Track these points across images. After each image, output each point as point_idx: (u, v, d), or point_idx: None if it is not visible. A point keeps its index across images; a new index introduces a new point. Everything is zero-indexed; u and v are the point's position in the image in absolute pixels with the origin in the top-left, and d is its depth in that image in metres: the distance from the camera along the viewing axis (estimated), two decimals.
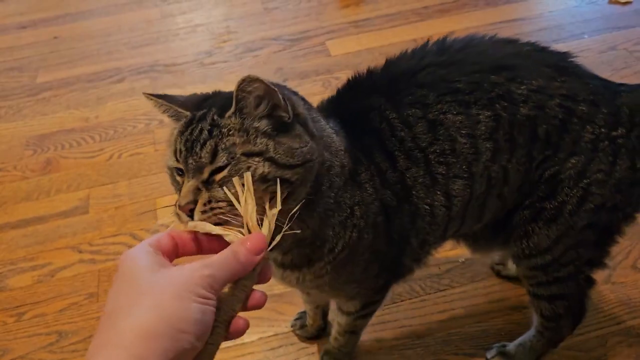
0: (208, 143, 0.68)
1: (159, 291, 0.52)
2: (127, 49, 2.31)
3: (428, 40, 0.94)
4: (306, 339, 1.26)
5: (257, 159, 0.68)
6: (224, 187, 0.66)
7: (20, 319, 1.39)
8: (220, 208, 0.65)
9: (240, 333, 0.58)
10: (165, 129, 1.88)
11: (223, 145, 0.67)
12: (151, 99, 0.76)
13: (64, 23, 2.53)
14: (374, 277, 0.95)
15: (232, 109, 0.69)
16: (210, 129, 0.69)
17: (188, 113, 0.73)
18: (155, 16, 2.51)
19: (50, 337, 1.34)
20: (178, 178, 0.71)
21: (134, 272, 0.54)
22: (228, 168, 0.67)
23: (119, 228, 1.58)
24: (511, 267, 1.32)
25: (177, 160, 0.70)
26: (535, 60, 0.90)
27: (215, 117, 0.69)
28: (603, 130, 0.87)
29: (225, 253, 0.57)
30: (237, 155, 0.67)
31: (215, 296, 0.55)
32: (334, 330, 1.14)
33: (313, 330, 1.25)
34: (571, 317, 1.08)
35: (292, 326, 1.28)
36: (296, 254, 0.84)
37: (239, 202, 0.63)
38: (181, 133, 0.71)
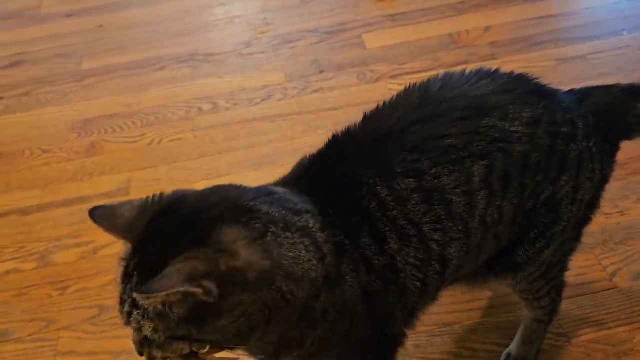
0: (132, 318, 0.69)
1: None
2: (168, 39, 2.37)
3: (408, 86, 0.90)
4: None
5: (182, 342, 0.69)
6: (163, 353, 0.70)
7: (64, 293, 1.46)
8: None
9: None
10: (204, 116, 1.94)
11: (146, 326, 0.68)
12: (94, 220, 0.76)
13: (107, 12, 2.60)
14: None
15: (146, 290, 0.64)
16: (131, 305, 0.69)
17: (130, 248, 0.73)
18: (194, 7, 2.57)
19: (92, 311, 1.41)
20: None
21: None
22: (157, 343, 0.69)
23: None
24: None
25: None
26: (519, 91, 0.87)
27: (134, 290, 0.67)
28: (583, 144, 0.90)
29: None
30: (162, 338, 0.68)
31: None
32: None
33: None
34: (560, 291, 1.12)
35: None
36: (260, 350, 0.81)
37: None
38: (120, 282, 0.73)
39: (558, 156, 0.88)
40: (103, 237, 1.56)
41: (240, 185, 0.78)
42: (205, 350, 0.70)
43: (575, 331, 1.25)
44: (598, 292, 1.31)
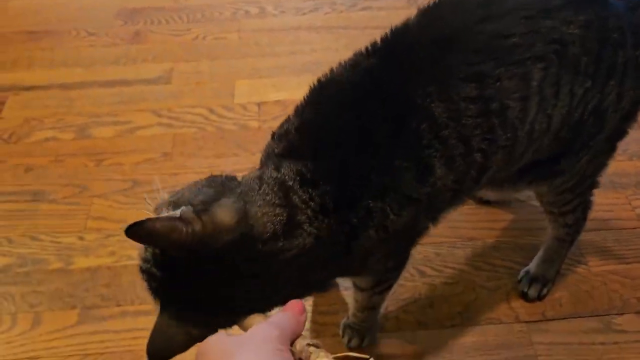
0: None
1: (237, 354, 0.51)
2: None
3: None
4: None
5: None
6: None
7: (100, 165, 1.50)
8: None
9: None
10: (251, 19, 1.93)
11: None
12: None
13: None
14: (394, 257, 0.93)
15: None
16: None
17: None
18: None
19: (125, 184, 1.45)
20: None
21: (207, 346, 0.55)
22: None
23: (198, 101, 1.66)
24: (490, 193, 1.32)
25: None
26: None
27: None
28: (631, 52, 0.87)
29: (280, 315, 0.59)
30: None
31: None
32: (352, 307, 1.10)
33: None
34: (585, 212, 1.12)
35: None
36: None
37: None
38: None
39: (606, 62, 0.86)
40: (141, 119, 1.61)
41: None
42: None
43: (596, 261, 1.26)
44: (623, 229, 1.32)
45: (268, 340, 0.53)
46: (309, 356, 0.55)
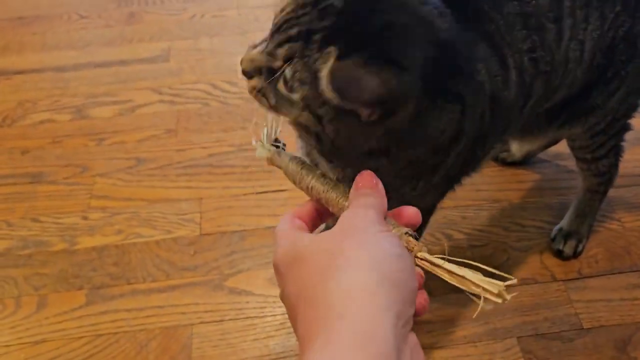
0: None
1: (342, 248, 0.45)
2: None
3: None
4: None
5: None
6: None
7: (101, 144, 1.42)
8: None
9: None
10: None
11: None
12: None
13: None
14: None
15: None
16: None
17: None
18: None
19: (129, 162, 1.37)
20: None
21: (301, 249, 0.48)
22: None
23: (199, 77, 1.59)
24: (515, 152, 1.30)
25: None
26: None
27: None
28: None
29: (360, 196, 0.51)
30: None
31: None
32: None
33: None
34: (618, 158, 1.08)
35: None
36: None
37: None
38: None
39: None
40: (141, 97, 1.54)
41: None
42: None
43: (629, 217, 1.21)
44: None
45: (370, 224, 0.47)
46: (411, 249, 0.49)
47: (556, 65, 0.81)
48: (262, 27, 1.74)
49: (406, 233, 0.50)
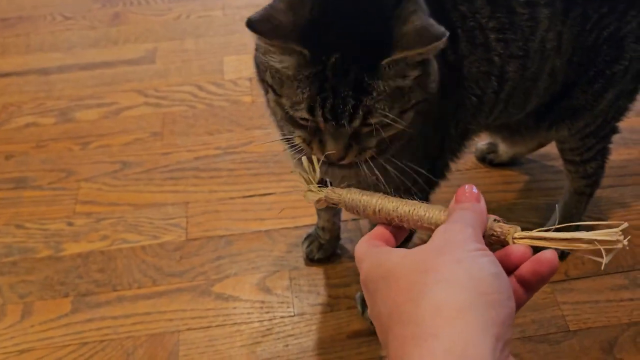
0: (360, 110, 0.62)
1: (436, 265, 0.43)
2: None
3: None
4: (321, 261, 1.16)
5: (410, 111, 0.66)
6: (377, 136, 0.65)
7: (85, 148, 1.41)
8: (369, 152, 0.66)
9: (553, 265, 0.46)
10: None
11: (378, 111, 0.62)
12: (256, 33, 0.64)
13: None
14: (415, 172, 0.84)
15: (381, 68, 0.61)
16: (355, 94, 0.62)
17: (306, 52, 0.62)
18: None
19: (114, 166, 1.36)
20: (303, 123, 0.66)
21: (390, 266, 0.46)
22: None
23: (185, 79, 1.58)
24: (502, 154, 1.30)
25: (313, 116, 0.64)
26: None
27: (362, 77, 0.61)
28: None
29: (461, 212, 0.49)
30: (397, 116, 0.63)
31: None
32: None
33: (330, 247, 1.16)
34: (604, 159, 1.09)
35: (307, 254, 1.15)
36: None
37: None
38: (312, 88, 0.63)
39: None
40: (126, 100, 1.52)
41: None
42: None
43: (615, 217, 1.21)
44: (639, 184, 1.27)
45: (466, 241, 0.44)
46: (506, 233, 0.48)
47: (531, 53, 0.81)
48: None
49: (495, 220, 0.49)
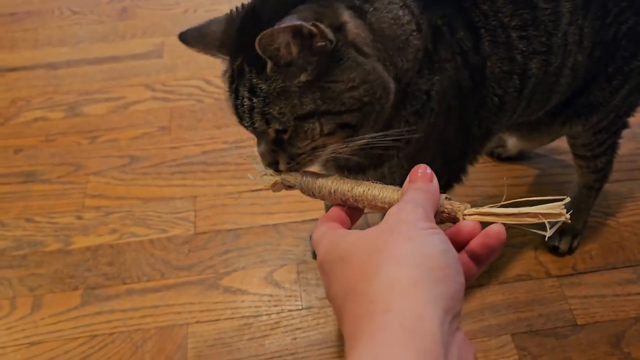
0: (255, 112, 0.62)
1: (388, 244, 0.44)
2: None
3: None
4: None
5: (310, 120, 0.62)
6: (297, 144, 0.64)
7: (94, 142, 1.42)
8: (303, 158, 0.64)
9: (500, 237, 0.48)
10: None
11: (270, 114, 0.62)
12: (186, 44, 0.70)
13: None
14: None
15: (267, 70, 0.61)
16: (249, 95, 0.62)
17: (226, 57, 0.66)
18: None
19: (122, 160, 1.37)
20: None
21: (345, 247, 0.47)
22: (288, 132, 0.63)
23: (192, 73, 1.58)
24: (511, 148, 1.30)
25: (237, 119, 0.66)
26: None
27: (252, 79, 0.61)
28: None
29: (412, 192, 0.50)
30: (290, 122, 0.62)
31: None
32: None
33: None
34: (614, 154, 1.08)
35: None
36: (364, 155, 0.73)
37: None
38: (228, 92, 0.66)
39: None
40: (134, 94, 1.53)
41: None
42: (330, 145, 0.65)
43: (623, 212, 1.21)
44: None
45: (417, 220, 0.46)
46: (456, 210, 0.50)
47: (554, 48, 0.81)
48: None
49: (446, 198, 0.50)
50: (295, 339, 1.04)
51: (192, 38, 0.69)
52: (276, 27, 0.56)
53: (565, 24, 0.80)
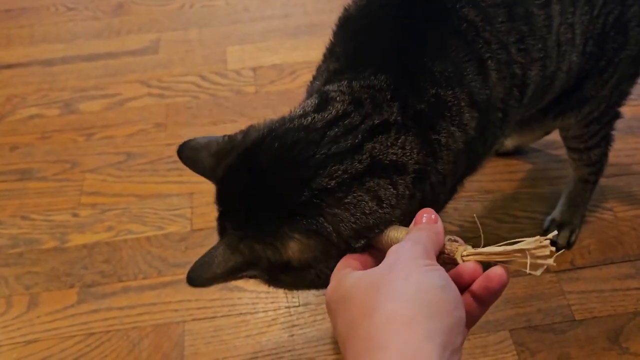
0: None
1: (387, 281, 0.46)
2: None
3: None
4: None
5: None
6: None
7: (90, 139, 1.41)
8: None
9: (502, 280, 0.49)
10: None
11: None
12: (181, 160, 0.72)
13: None
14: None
15: None
16: None
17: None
18: None
19: (118, 157, 1.36)
20: None
21: (347, 286, 0.49)
22: None
23: (188, 69, 1.57)
24: (507, 143, 1.29)
25: None
26: None
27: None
28: None
29: (416, 232, 0.52)
30: None
31: None
32: None
33: None
34: (608, 146, 1.08)
35: None
36: None
37: None
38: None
39: None
40: (130, 91, 1.52)
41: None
42: None
43: (621, 206, 1.20)
44: None
45: (415, 258, 0.47)
46: (454, 251, 0.51)
47: (550, 50, 0.80)
48: (252, 17, 1.73)
49: (449, 239, 0.51)
50: (292, 335, 1.04)
51: (187, 158, 0.71)
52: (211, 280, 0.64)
53: (557, 25, 0.79)
